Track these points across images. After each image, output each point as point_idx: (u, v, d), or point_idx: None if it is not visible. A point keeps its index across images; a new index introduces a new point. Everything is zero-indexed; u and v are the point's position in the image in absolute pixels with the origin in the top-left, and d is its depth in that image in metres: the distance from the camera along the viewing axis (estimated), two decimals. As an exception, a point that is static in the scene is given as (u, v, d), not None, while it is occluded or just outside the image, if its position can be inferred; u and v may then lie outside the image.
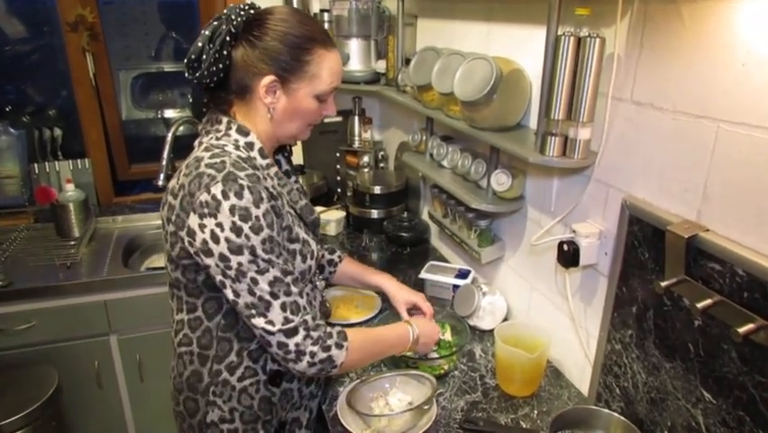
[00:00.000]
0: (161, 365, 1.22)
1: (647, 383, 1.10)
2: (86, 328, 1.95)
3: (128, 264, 2.13)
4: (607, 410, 1.16)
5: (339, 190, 2.44)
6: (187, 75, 1.02)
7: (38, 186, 2.22)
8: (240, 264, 0.96)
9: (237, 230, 0.95)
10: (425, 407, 1.17)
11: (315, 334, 1.02)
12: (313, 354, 1.01)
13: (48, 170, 2.28)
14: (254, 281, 0.97)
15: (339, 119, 2.49)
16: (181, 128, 2.10)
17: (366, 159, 2.35)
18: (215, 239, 0.95)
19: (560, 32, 1.11)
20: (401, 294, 1.45)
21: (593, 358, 1.26)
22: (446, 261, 1.94)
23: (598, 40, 1.06)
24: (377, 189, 2.16)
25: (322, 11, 2.21)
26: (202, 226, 0.96)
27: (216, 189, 0.95)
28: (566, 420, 1.14)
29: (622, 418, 1.13)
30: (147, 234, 2.34)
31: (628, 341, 1.14)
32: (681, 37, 0.95)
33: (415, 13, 2.00)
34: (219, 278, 0.98)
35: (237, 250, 0.95)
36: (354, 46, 2.10)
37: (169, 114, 2.94)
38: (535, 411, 1.27)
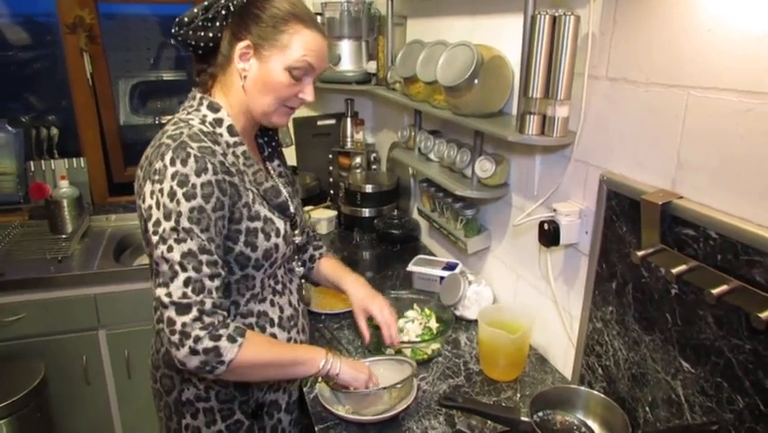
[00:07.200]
0: (149, 363, 1.22)
1: (628, 360, 1.09)
2: (75, 322, 1.96)
3: (119, 261, 2.14)
4: (586, 389, 1.14)
5: (331, 191, 2.46)
6: (172, 31, 1.04)
7: (33, 182, 2.24)
8: (164, 230, 0.96)
9: (172, 195, 0.95)
10: (398, 386, 1.16)
11: (207, 319, 0.95)
12: (197, 339, 0.93)
13: (44, 167, 2.31)
14: (170, 249, 0.95)
15: (332, 122, 2.52)
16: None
17: (358, 160, 2.37)
18: (157, 204, 0.96)
19: (536, 12, 1.13)
20: (360, 301, 1.32)
21: (576, 340, 1.25)
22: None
23: (572, 17, 1.08)
24: (368, 188, 2.17)
25: (315, 14, 2.26)
26: (152, 193, 0.97)
27: (167, 157, 0.96)
28: (546, 400, 1.13)
29: (602, 395, 1.11)
30: (139, 233, 2.34)
31: (609, 318, 1.13)
32: (651, 8, 0.97)
33: (404, 14, 2.04)
34: (154, 244, 0.97)
35: (167, 216, 0.95)
36: (346, 47, 2.14)
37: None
38: (518, 395, 1.25)
